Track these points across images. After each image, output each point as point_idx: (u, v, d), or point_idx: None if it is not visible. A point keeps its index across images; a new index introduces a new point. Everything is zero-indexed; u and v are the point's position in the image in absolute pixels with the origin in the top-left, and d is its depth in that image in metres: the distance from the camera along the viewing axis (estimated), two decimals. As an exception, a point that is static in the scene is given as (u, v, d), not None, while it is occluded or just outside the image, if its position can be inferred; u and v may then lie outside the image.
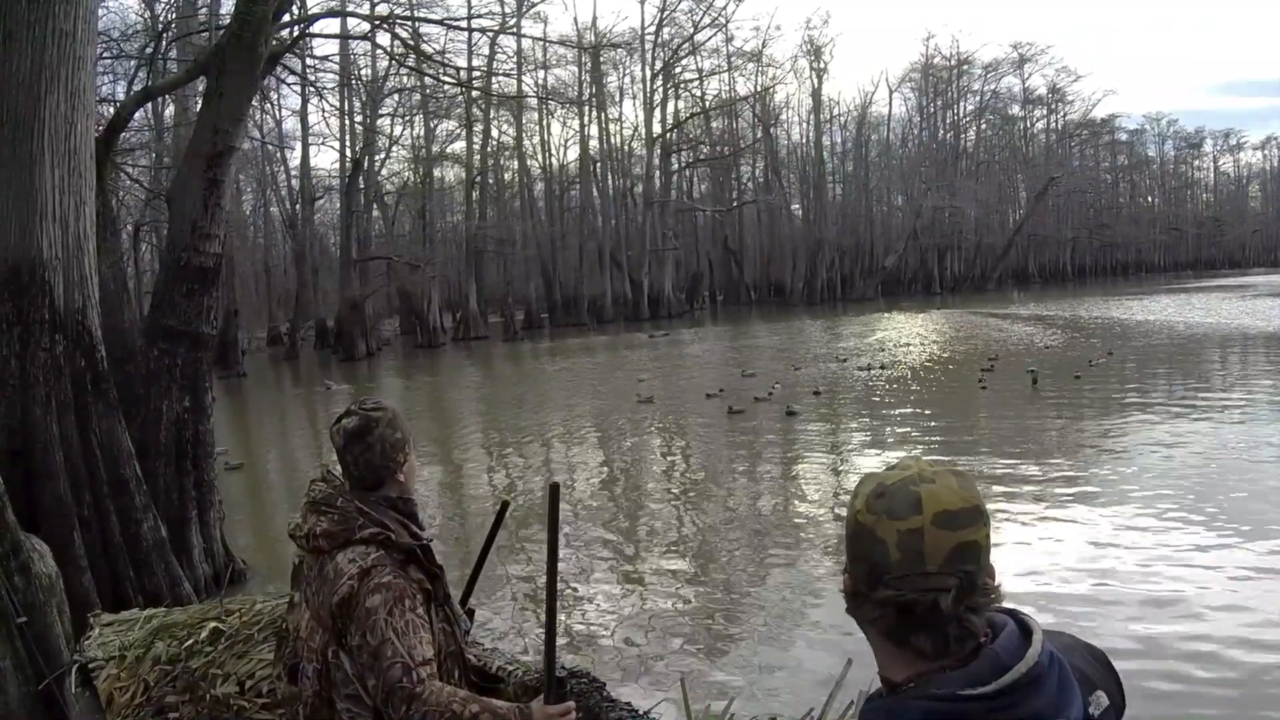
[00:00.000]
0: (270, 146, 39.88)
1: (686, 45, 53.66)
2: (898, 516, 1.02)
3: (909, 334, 31.69)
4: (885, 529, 1.03)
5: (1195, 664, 5.44)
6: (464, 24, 32.68)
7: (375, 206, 41.22)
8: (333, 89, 34.13)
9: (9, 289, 5.91)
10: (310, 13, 18.91)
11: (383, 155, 40.81)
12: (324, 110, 37.18)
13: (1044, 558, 7.40)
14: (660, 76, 52.90)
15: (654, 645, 6.18)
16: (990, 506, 1.06)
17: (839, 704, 3.15)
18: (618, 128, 54.42)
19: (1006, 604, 1.10)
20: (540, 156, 53.21)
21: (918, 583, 1.01)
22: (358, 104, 37.83)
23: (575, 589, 7.35)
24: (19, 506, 4.98)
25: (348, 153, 38.02)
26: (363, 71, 37.56)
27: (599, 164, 52.58)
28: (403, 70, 32.76)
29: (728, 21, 54.20)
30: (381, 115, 39.18)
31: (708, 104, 56.62)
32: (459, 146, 44.63)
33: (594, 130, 52.13)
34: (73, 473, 6.01)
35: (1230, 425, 12.53)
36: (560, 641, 2.12)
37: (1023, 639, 1.05)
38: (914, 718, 1.01)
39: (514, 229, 47.45)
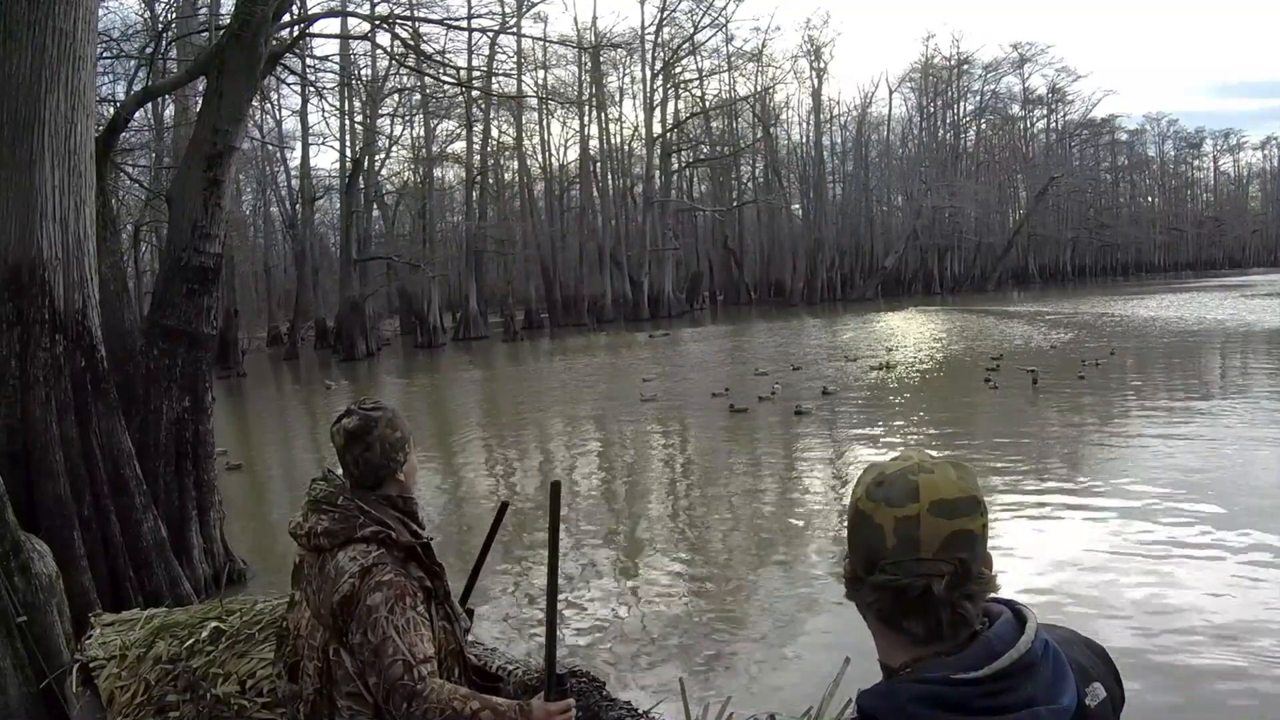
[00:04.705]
0: (270, 146, 39.90)
1: (686, 45, 53.68)
2: (895, 504, 1.05)
3: (912, 334, 31.69)
4: (883, 516, 1.06)
5: (1194, 660, 5.45)
6: (464, 24, 32.71)
7: (375, 206, 41.21)
8: (333, 89, 34.16)
9: (9, 289, 5.91)
10: (310, 13, 18.93)
11: (383, 155, 40.81)
12: (324, 110, 37.29)
13: (1044, 553, 7.40)
14: (660, 76, 52.90)
15: (653, 644, 6.18)
16: (993, 502, 1.08)
17: (837, 702, 3.15)
18: (618, 128, 54.51)
19: (1005, 596, 1.11)
20: (540, 156, 53.31)
21: (912, 568, 1.03)
22: (358, 104, 37.80)
23: (575, 588, 7.35)
24: (19, 506, 4.98)
25: (348, 153, 38.02)
26: (363, 71, 37.55)
27: (599, 164, 52.58)
28: (403, 70, 32.76)
29: (728, 21, 54.31)
30: (381, 115, 39.16)
31: (708, 104, 56.63)
32: (459, 146, 44.67)
33: (594, 130, 52.20)
34: (73, 473, 6.00)
35: (1231, 422, 12.54)
36: (559, 639, 2.12)
37: (1017, 627, 1.07)
38: (907, 700, 1.03)
39: (514, 229, 47.42)
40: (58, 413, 6.00)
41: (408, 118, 41.88)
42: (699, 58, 56.06)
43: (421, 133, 42.65)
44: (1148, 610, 6.23)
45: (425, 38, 24.90)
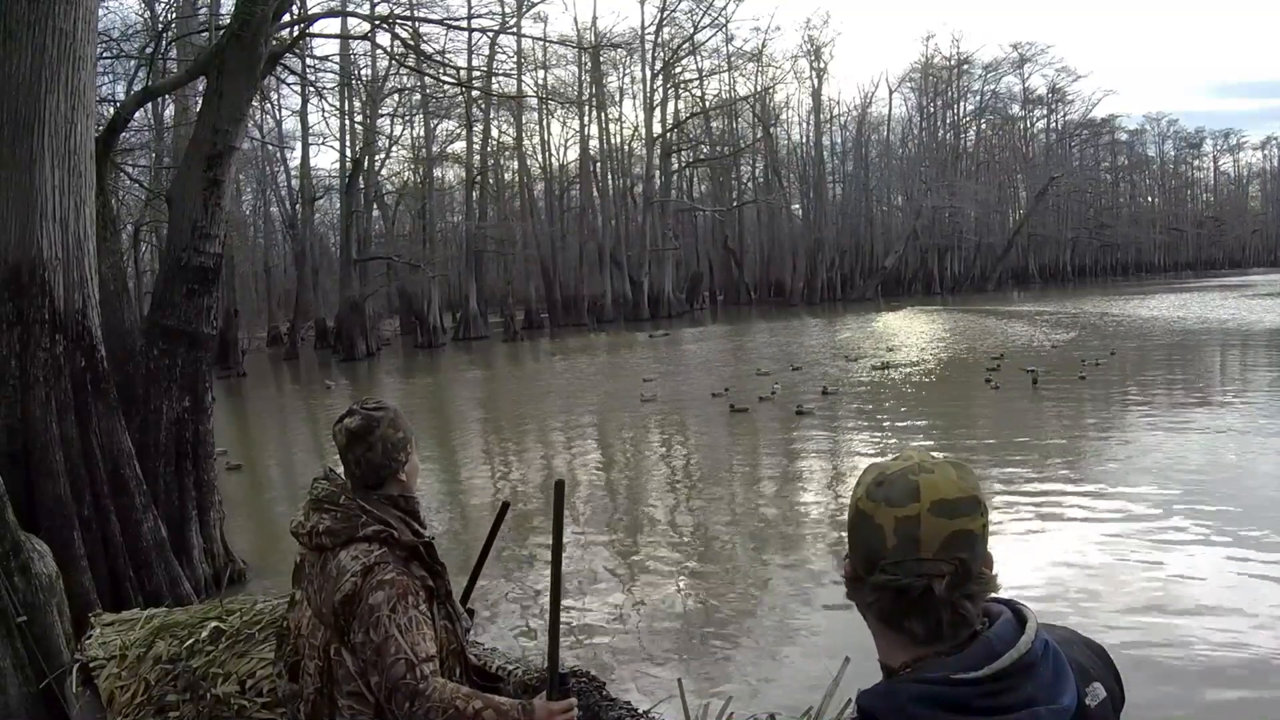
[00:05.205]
0: (270, 146, 39.88)
1: (686, 45, 53.66)
2: (895, 504, 1.05)
3: (912, 334, 31.68)
4: (883, 516, 1.05)
5: (1195, 660, 5.45)
6: (464, 24, 32.69)
7: (375, 206, 41.18)
8: (333, 89, 34.16)
9: (9, 289, 5.91)
10: (310, 13, 18.92)
11: (383, 155, 40.78)
12: (324, 110, 37.29)
13: (1044, 553, 7.40)
14: (660, 76, 52.89)
15: (654, 644, 6.18)
16: (993, 502, 1.08)
17: (837, 702, 3.15)
18: (618, 128, 54.49)
19: (1005, 596, 1.11)
20: (540, 156, 53.30)
21: (912, 568, 1.03)
22: (358, 104, 37.79)
23: (576, 588, 7.34)
24: (19, 506, 4.98)
25: (348, 153, 38.01)
26: (363, 71, 37.54)
27: (599, 164, 52.56)
28: (403, 70, 32.75)
29: (728, 21, 54.31)
30: (381, 115, 39.13)
31: (708, 104, 56.61)
32: (459, 146, 44.65)
33: (594, 130, 52.17)
34: (73, 473, 6.01)
35: (1232, 421, 12.54)
36: (560, 639, 2.12)
37: (1017, 627, 1.07)
38: (907, 700, 1.03)
39: (514, 229, 47.41)
40: (58, 413, 6.00)
41: (408, 118, 41.89)
42: (699, 58, 56.13)
43: (421, 133, 42.67)
44: (1148, 611, 6.23)
45: (425, 38, 24.92)
